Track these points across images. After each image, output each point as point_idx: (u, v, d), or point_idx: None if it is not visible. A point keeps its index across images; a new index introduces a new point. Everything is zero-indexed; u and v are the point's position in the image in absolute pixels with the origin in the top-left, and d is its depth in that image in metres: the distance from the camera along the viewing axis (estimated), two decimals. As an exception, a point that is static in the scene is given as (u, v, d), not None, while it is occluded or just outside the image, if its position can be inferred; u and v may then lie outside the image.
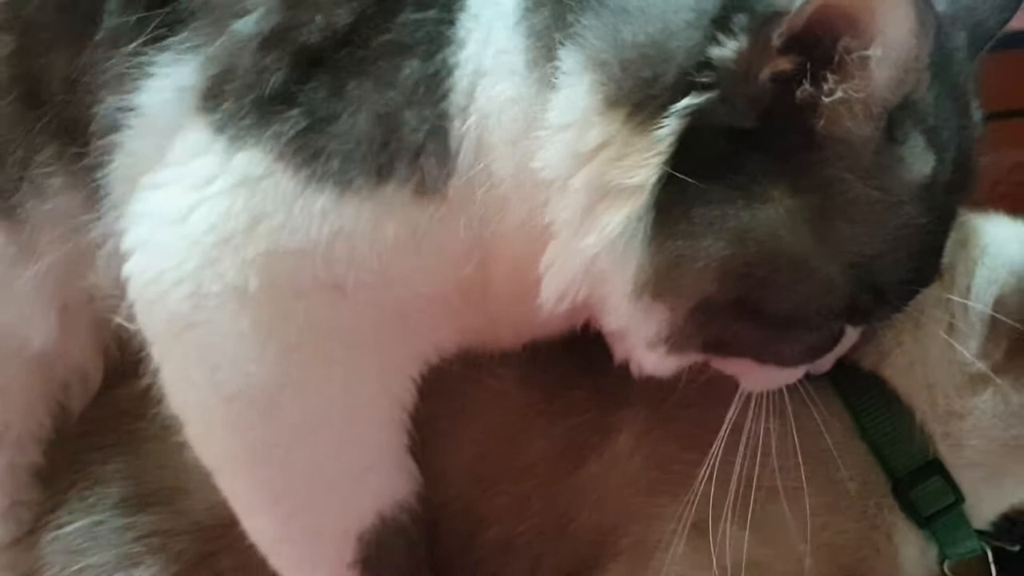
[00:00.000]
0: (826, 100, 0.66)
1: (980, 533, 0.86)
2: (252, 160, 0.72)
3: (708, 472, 0.75)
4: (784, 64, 0.66)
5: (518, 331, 0.82)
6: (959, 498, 0.83)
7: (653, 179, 0.67)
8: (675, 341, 0.73)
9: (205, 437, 0.79)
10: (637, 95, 0.68)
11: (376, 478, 0.81)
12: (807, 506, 0.78)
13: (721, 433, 0.76)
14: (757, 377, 0.77)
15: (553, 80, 0.69)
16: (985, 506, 0.86)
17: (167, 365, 0.77)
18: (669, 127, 0.67)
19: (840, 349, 0.79)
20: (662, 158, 0.67)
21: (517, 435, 0.85)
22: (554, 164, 0.69)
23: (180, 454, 0.81)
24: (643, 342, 0.74)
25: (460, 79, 0.71)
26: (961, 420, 0.82)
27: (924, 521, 0.83)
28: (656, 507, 0.80)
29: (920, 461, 0.82)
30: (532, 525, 0.84)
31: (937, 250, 0.76)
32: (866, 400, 0.82)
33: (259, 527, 0.81)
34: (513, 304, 0.76)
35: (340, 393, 0.77)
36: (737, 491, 0.76)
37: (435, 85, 0.71)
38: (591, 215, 0.69)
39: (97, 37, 0.76)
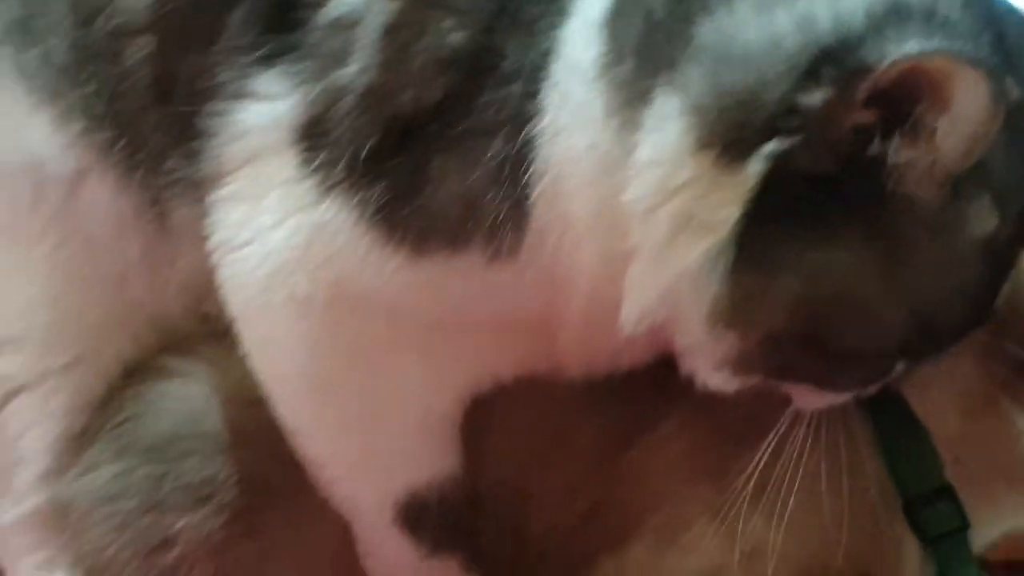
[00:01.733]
0: (892, 159, 0.70)
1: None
2: (335, 214, 0.79)
3: (751, 473, 0.80)
4: (866, 117, 0.70)
5: (589, 362, 0.87)
6: (965, 523, 0.87)
7: (736, 216, 0.71)
8: (741, 365, 0.77)
9: (274, 395, 0.86)
10: (728, 137, 0.71)
11: (415, 458, 0.88)
12: (831, 510, 0.83)
13: (769, 439, 0.80)
14: (811, 398, 0.81)
15: (640, 123, 0.74)
16: (982, 533, 0.90)
17: (243, 341, 0.85)
18: (755, 168, 0.71)
19: (897, 375, 0.83)
20: (746, 197, 0.71)
21: (570, 420, 0.90)
22: (643, 196, 0.73)
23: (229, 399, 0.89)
24: (711, 364, 0.79)
25: (541, 148, 0.75)
26: (966, 444, 0.87)
27: (929, 541, 0.87)
28: (689, 492, 0.85)
29: (933, 484, 0.87)
30: (578, 507, 0.89)
31: (993, 296, 0.80)
32: (888, 419, 0.87)
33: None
34: (587, 334, 0.81)
35: (384, 396, 0.85)
36: (768, 488, 0.81)
37: (518, 163, 0.76)
38: (674, 244, 0.73)
39: (217, 46, 0.83)
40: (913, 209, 0.72)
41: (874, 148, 0.70)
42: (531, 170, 0.75)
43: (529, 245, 0.78)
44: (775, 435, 0.80)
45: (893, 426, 0.87)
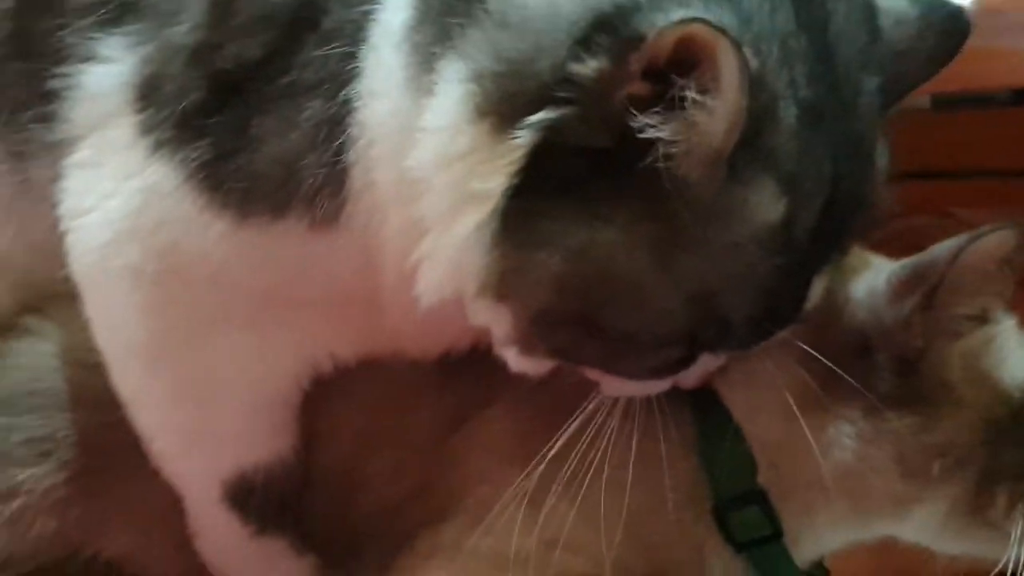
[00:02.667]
0: (657, 136, 0.68)
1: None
2: (163, 174, 0.78)
3: (551, 452, 0.80)
4: (640, 89, 0.68)
5: (419, 341, 0.87)
6: (777, 531, 0.86)
7: (503, 187, 0.70)
8: (523, 344, 0.77)
9: (109, 363, 0.87)
10: (503, 106, 0.70)
11: (245, 438, 0.88)
12: (630, 502, 0.82)
13: (570, 422, 0.80)
14: (616, 385, 0.81)
15: (432, 88, 0.73)
16: (805, 545, 0.88)
17: (84, 307, 0.85)
18: (523, 138, 0.69)
19: (701, 369, 0.82)
20: (514, 168, 0.69)
21: (407, 404, 0.91)
22: (424, 164, 0.73)
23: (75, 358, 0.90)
24: (499, 340, 0.78)
25: (357, 111, 0.75)
26: (781, 450, 0.85)
27: (741, 547, 0.86)
28: (503, 475, 0.84)
29: (744, 487, 0.86)
30: (405, 487, 0.89)
31: (797, 293, 0.78)
32: (709, 417, 0.86)
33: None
34: (406, 311, 0.79)
35: (216, 373, 0.85)
36: (574, 475, 0.80)
37: (336, 126, 0.75)
38: (451, 214, 0.72)
39: (66, 6, 0.83)
40: (685, 191, 0.70)
41: (639, 123, 0.68)
42: (347, 134, 0.75)
43: (347, 213, 0.77)
44: (578, 416, 0.80)
45: (710, 424, 0.86)
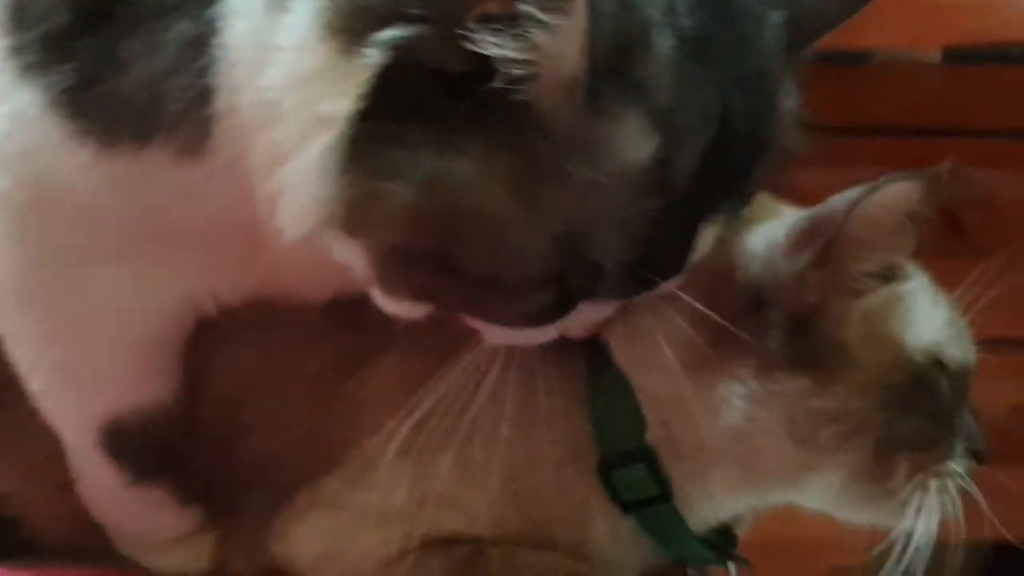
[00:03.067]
0: (505, 57, 0.64)
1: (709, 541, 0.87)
2: (29, 100, 0.74)
3: (429, 403, 0.77)
4: (492, 7, 0.63)
5: (302, 282, 0.82)
6: (665, 492, 0.82)
7: (350, 111, 0.66)
8: (384, 283, 0.73)
9: None
10: (353, 22, 0.66)
11: (121, 381, 0.84)
12: (509, 457, 0.80)
13: (447, 372, 0.77)
14: (497, 333, 0.77)
15: (288, 5, 0.69)
16: (700, 509, 0.84)
17: None
18: (373, 58, 0.65)
19: (587, 319, 0.78)
20: (362, 89, 0.65)
21: (299, 349, 0.87)
22: (277, 85, 0.69)
23: None
24: (363, 280, 0.74)
25: (222, 32, 0.71)
26: (671, 408, 0.81)
27: (628, 507, 0.82)
28: (388, 428, 0.80)
29: (631, 445, 0.81)
30: (290, 435, 0.86)
31: (681, 241, 0.74)
32: (600, 372, 0.82)
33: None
34: (284, 248, 0.74)
35: (88, 310, 0.81)
36: (456, 427, 0.77)
37: (201, 46, 0.71)
38: (303, 140, 0.68)
39: None
40: (541, 121, 0.66)
41: (485, 43, 0.64)
42: (211, 56, 0.71)
43: (213, 140, 0.73)
44: (452, 370, 0.77)
45: (600, 379, 0.82)
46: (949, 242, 1.77)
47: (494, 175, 0.66)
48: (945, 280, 1.81)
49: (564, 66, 0.64)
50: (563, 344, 0.79)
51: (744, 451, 0.81)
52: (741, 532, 0.94)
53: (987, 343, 1.82)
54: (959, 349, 0.85)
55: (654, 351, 0.79)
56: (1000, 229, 1.77)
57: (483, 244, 0.68)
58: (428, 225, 0.68)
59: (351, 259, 0.73)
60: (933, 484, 0.81)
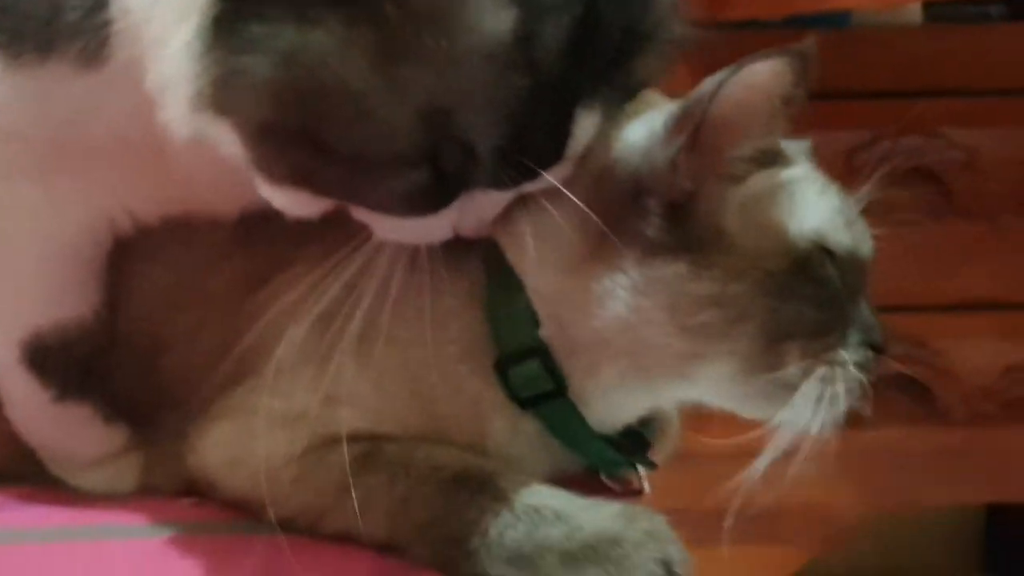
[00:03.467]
0: None
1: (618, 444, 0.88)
2: None
3: (321, 304, 0.79)
4: None
5: (212, 195, 0.84)
6: (559, 387, 0.83)
7: None
8: (261, 168, 0.74)
9: None
10: None
11: (40, 297, 0.86)
12: (408, 356, 0.81)
13: (343, 272, 0.78)
14: (384, 225, 0.77)
15: None
16: (598, 406, 0.85)
17: None
18: None
19: (476, 215, 0.79)
20: None
21: (211, 264, 0.89)
22: None
23: None
24: (243, 167, 0.75)
25: None
26: (560, 303, 0.82)
27: (525, 403, 0.83)
28: (296, 335, 0.81)
29: (525, 342, 0.82)
30: (205, 347, 0.88)
31: (556, 126, 0.74)
32: (495, 270, 0.83)
33: None
34: (190, 160, 0.77)
35: (5, 226, 0.83)
36: (357, 330, 0.79)
37: None
38: (176, 28, 0.70)
39: None
40: None
41: None
42: None
43: (111, 48, 0.75)
44: (356, 265, 0.78)
45: (495, 278, 0.83)
46: (934, 204, 1.78)
47: (351, 48, 0.68)
48: (932, 242, 1.81)
49: None
50: (460, 245, 0.81)
51: (632, 342, 0.81)
52: (664, 442, 0.95)
53: (979, 306, 1.82)
54: (848, 237, 0.84)
55: (541, 248, 0.81)
56: (984, 189, 1.77)
57: (346, 119, 0.70)
58: (290, 99, 0.69)
59: (226, 145, 0.73)
60: (821, 371, 0.80)
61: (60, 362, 0.87)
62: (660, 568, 0.74)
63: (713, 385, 0.83)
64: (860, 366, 0.82)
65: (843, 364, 0.81)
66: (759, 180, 0.82)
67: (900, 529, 2.06)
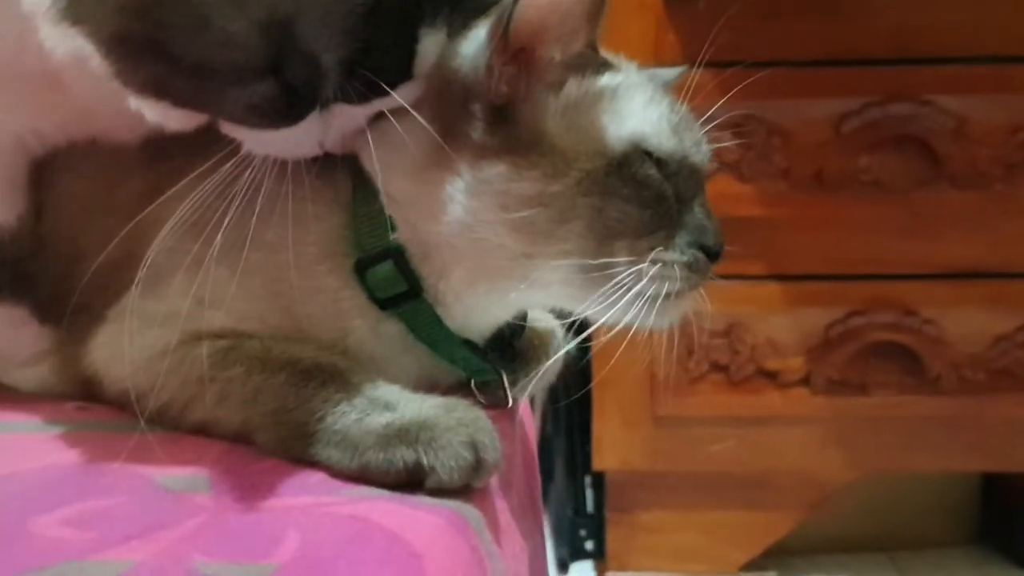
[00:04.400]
0: None
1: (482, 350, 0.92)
2: None
3: (187, 210, 0.83)
4: None
5: (111, 120, 0.90)
6: (414, 289, 0.87)
7: None
8: (122, 79, 0.79)
9: None
10: None
11: None
12: (273, 259, 0.86)
13: (214, 179, 0.83)
14: (252, 139, 0.82)
15: None
16: (456, 310, 0.89)
17: None
18: None
19: (338, 130, 0.83)
20: None
21: (121, 176, 0.96)
22: None
23: None
24: (108, 80, 0.79)
25: None
26: (411, 208, 0.87)
27: (384, 304, 0.88)
28: (180, 244, 0.86)
29: (380, 245, 0.87)
30: (113, 256, 0.92)
31: (400, 45, 0.79)
32: (358, 179, 0.88)
33: None
34: (80, 87, 0.83)
35: None
36: (227, 234, 0.83)
37: None
38: None
39: None
40: None
41: None
42: None
43: None
44: (224, 175, 0.82)
45: (358, 186, 0.88)
46: (923, 172, 1.78)
47: None
48: (922, 210, 1.80)
49: None
50: (330, 158, 0.86)
51: (472, 243, 0.85)
52: (536, 353, 0.98)
53: (969, 274, 1.82)
54: (673, 143, 0.87)
55: (389, 156, 0.85)
56: (974, 156, 1.77)
57: (186, 28, 0.74)
58: (134, 8, 0.74)
59: (87, 57, 0.78)
60: (646, 268, 0.84)
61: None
62: (467, 451, 0.76)
63: (553, 287, 0.86)
64: (687, 266, 0.85)
65: (668, 263, 0.84)
66: (578, 85, 0.86)
67: (892, 496, 2.06)
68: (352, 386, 0.81)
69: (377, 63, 0.78)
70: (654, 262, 0.84)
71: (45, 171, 0.96)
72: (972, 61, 1.77)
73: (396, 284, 0.87)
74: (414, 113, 0.81)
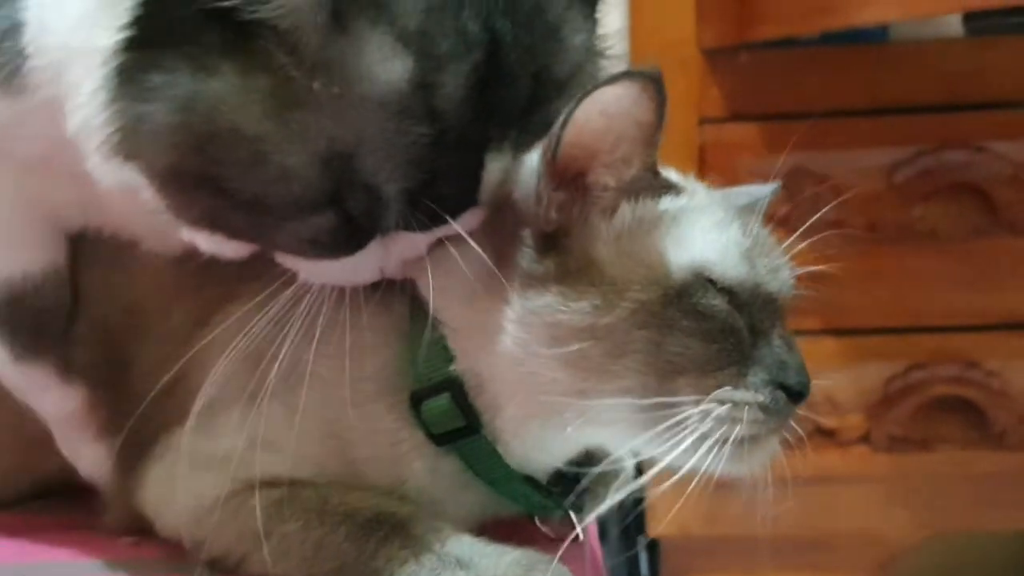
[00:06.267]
0: None
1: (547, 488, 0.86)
2: None
3: (244, 344, 0.79)
4: None
5: (148, 233, 0.87)
6: (472, 424, 0.82)
7: (117, 40, 0.71)
8: (175, 213, 0.76)
9: None
10: None
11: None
12: (329, 397, 0.81)
13: (271, 309, 0.79)
14: (309, 269, 0.78)
15: None
16: (515, 446, 0.83)
17: None
18: None
19: (398, 257, 0.79)
20: (126, 19, 0.71)
21: (170, 300, 0.90)
22: (69, 24, 0.75)
23: None
24: (160, 212, 0.77)
25: None
26: (467, 338, 0.81)
27: (440, 441, 0.82)
28: (232, 375, 0.82)
29: (437, 376, 0.81)
30: (163, 389, 0.86)
31: (466, 171, 0.75)
32: (418, 307, 0.82)
33: None
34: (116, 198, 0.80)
35: None
36: (283, 370, 0.79)
37: None
38: (85, 76, 0.73)
39: None
40: (285, 39, 0.70)
41: None
42: None
43: (26, 78, 0.78)
44: (283, 305, 0.79)
45: (415, 314, 0.83)
46: (980, 221, 1.74)
47: (245, 94, 0.70)
48: (979, 259, 1.77)
49: None
50: (389, 284, 0.81)
51: (523, 378, 0.79)
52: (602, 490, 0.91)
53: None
54: (744, 269, 0.80)
55: (447, 281, 0.80)
56: (1032, 203, 1.74)
57: (244, 164, 0.72)
58: (190, 145, 0.71)
59: (139, 189, 0.75)
60: (710, 409, 0.77)
61: (24, 319, 0.91)
62: None
63: (613, 425, 0.79)
64: (763, 407, 0.78)
65: (738, 404, 0.77)
66: (633, 210, 0.80)
67: (960, 556, 2.01)
68: (417, 539, 0.77)
69: (441, 193, 0.74)
70: (721, 402, 0.77)
71: (83, 251, 0.92)
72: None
73: (453, 419, 0.81)
74: (469, 239, 0.77)
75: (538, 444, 0.84)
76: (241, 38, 0.70)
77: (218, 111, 0.70)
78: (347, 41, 0.69)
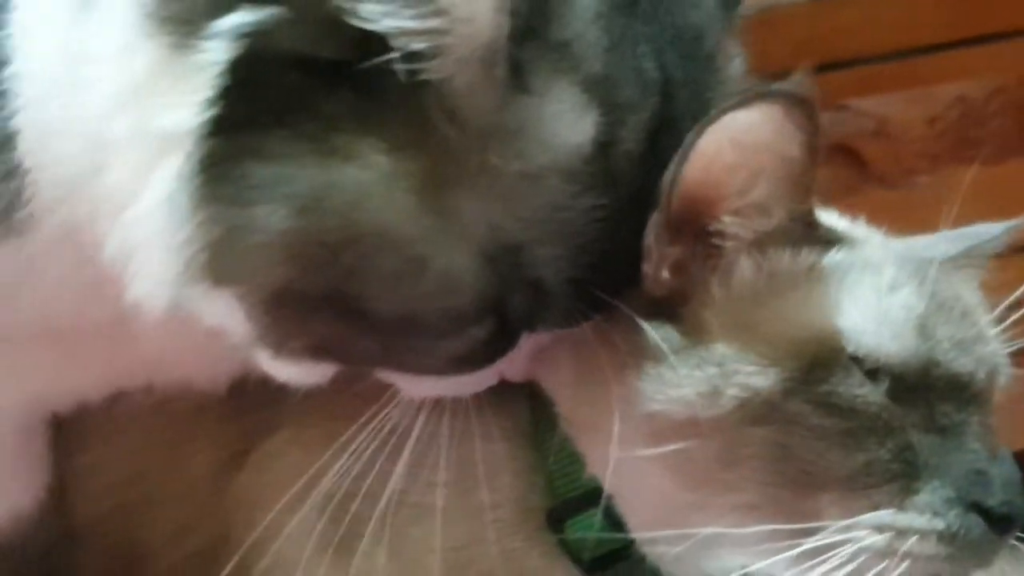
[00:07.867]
0: (395, 29, 0.51)
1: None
2: None
3: (334, 481, 0.63)
4: None
5: (193, 369, 0.69)
6: (626, 542, 0.66)
7: (195, 124, 0.52)
8: (273, 343, 0.58)
9: None
10: (185, 9, 0.53)
11: None
12: (446, 533, 0.66)
13: (356, 438, 0.63)
14: (418, 384, 0.63)
15: (94, 1, 0.55)
16: (668, 561, 0.67)
17: None
18: (216, 53, 0.52)
19: (525, 355, 0.64)
20: (206, 95, 0.52)
21: (183, 444, 0.73)
22: (98, 110, 0.54)
23: None
24: (242, 342, 0.59)
25: (15, 55, 0.56)
26: (584, 433, 0.67)
27: (591, 568, 0.67)
28: (298, 522, 0.66)
29: (579, 487, 0.66)
30: (195, 552, 0.72)
31: (631, 244, 0.61)
32: (541, 407, 0.67)
33: None
34: (158, 331, 0.61)
35: None
36: (383, 506, 0.64)
37: None
38: (143, 173, 0.54)
39: None
40: (453, 106, 0.53)
41: (365, 15, 0.51)
42: (13, 119, 0.57)
43: (28, 207, 0.58)
44: (373, 431, 0.63)
45: (546, 418, 0.68)
46: (850, 178, 1.76)
47: (394, 181, 0.54)
48: (854, 215, 1.79)
49: (478, 30, 0.52)
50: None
51: (635, 487, 0.65)
52: None
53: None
54: (911, 343, 0.62)
55: (562, 374, 0.67)
56: (899, 154, 1.76)
57: (391, 274, 0.55)
58: (316, 257, 0.55)
59: (226, 320, 0.59)
60: (860, 537, 0.59)
61: (17, 556, 0.74)
62: None
63: (749, 550, 0.63)
64: (947, 537, 0.59)
65: (904, 530, 0.59)
66: (762, 266, 0.64)
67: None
68: None
69: (609, 274, 0.59)
70: (879, 529, 0.59)
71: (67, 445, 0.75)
72: (878, 60, 1.77)
73: (608, 539, 0.65)
74: (636, 317, 0.61)
75: (681, 566, 0.67)
76: (382, 106, 0.53)
77: (359, 208, 0.53)
78: (528, 99, 0.54)
